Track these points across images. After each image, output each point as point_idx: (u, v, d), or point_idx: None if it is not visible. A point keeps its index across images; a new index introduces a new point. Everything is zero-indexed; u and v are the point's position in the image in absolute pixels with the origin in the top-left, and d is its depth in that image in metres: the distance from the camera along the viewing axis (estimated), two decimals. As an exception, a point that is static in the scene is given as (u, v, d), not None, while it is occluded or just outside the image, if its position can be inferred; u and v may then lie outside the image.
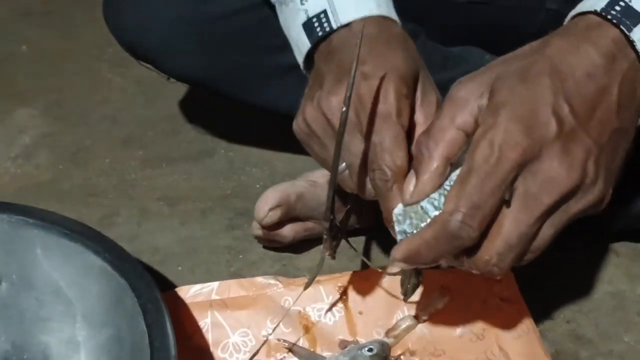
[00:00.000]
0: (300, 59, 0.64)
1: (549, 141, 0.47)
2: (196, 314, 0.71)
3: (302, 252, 0.83)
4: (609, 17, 0.50)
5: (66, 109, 1.10)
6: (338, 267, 0.80)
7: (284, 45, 0.66)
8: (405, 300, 0.64)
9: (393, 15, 0.63)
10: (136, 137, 1.04)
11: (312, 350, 0.70)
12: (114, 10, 0.81)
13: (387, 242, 0.83)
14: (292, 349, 0.69)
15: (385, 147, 0.53)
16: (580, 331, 0.75)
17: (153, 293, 0.62)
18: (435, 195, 0.51)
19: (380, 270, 0.70)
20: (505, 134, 0.47)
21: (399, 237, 0.52)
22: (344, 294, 0.72)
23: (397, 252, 0.51)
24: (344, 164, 0.56)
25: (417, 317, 0.70)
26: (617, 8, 0.50)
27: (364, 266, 0.82)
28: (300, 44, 0.62)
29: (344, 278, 0.73)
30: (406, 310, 0.71)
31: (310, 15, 0.61)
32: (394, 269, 0.61)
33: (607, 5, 0.50)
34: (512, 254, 0.49)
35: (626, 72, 0.50)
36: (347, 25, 0.60)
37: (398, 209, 0.53)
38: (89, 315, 0.65)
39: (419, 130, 0.56)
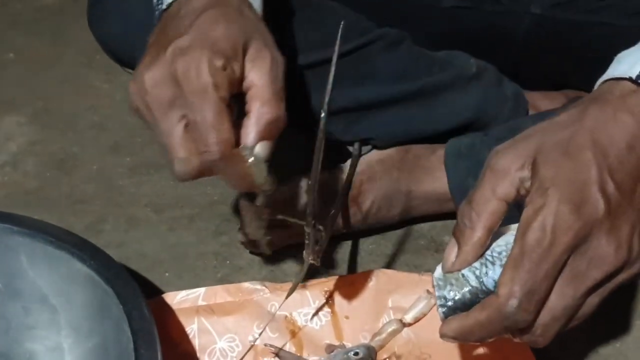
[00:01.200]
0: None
1: (599, 221, 0.47)
2: (183, 320, 0.71)
3: (288, 258, 0.83)
4: None
5: (54, 117, 1.10)
6: (324, 271, 0.81)
7: None
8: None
9: None
10: (124, 144, 1.04)
11: (298, 354, 0.70)
12: (98, 18, 0.81)
13: (372, 246, 0.85)
14: (278, 353, 0.70)
15: (209, 123, 0.52)
16: (567, 333, 0.75)
17: (139, 300, 0.63)
18: (476, 264, 0.51)
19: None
20: (557, 217, 0.47)
21: (438, 302, 0.52)
22: (330, 298, 0.73)
23: (449, 329, 0.51)
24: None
25: (402, 321, 0.71)
26: None
27: (351, 271, 0.83)
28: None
29: (330, 283, 0.73)
30: (392, 314, 0.72)
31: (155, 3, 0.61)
32: None
33: None
34: (557, 325, 0.49)
35: None
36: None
37: (437, 273, 0.53)
38: (74, 323, 0.65)
39: (255, 91, 0.55)
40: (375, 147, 0.85)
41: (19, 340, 0.66)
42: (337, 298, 0.73)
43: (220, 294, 0.73)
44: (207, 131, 0.52)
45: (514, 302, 0.47)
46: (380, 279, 0.73)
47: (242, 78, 0.54)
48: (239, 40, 0.55)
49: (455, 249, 0.52)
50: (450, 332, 0.51)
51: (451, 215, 0.85)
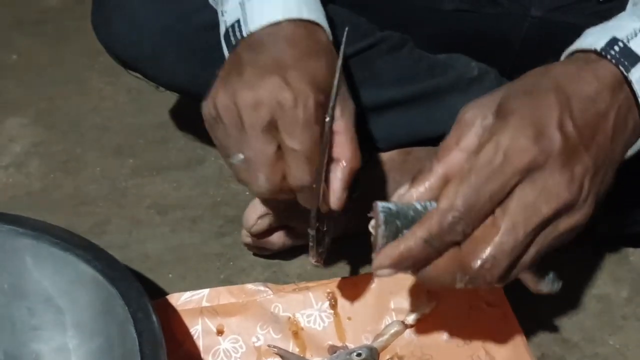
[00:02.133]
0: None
1: (554, 153, 0.48)
2: (187, 321, 0.72)
3: (291, 259, 0.84)
4: (607, 56, 0.52)
5: (57, 118, 1.10)
6: (327, 273, 0.81)
7: None
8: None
9: (321, 21, 0.64)
10: (127, 145, 1.04)
11: (301, 355, 0.71)
12: (102, 20, 0.82)
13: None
14: (282, 354, 0.70)
15: (306, 154, 0.55)
16: (566, 334, 0.76)
17: (143, 301, 0.63)
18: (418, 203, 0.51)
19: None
20: (514, 140, 0.48)
21: (381, 210, 0.50)
22: (333, 299, 0.73)
23: (384, 257, 0.50)
24: (241, 156, 0.57)
25: (404, 323, 0.71)
26: (616, 48, 0.52)
27: (353, 272, 0.83)
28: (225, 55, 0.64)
29: (332, 284, 0.74)
30: (394, 316, 0.72)
31: (228, 25, 0.63)
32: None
33: (607, 45, 0.52)
34: (505, 261, 0.49)
35: (622, 103, 0.52)
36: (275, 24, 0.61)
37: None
38: (79, 324, 0.65)
39: (338, 139, 0.58)
40: (377, 149, 0.86)
41: (24, 341, 0.67)
42: (340, 299, 0.73)
43: (223, 295, 0.73)
44: (303, 161, 0.55)
45: (454, 214, 0.48)
46: (382, 281, 0.73)
47: (334, 93, 0.57)
48: (324, 74, 0.59)
49: (408, 185, 0.53)
50: (386, 260, 0.50)
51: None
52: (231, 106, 0.57)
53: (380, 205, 0.51)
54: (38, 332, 0.67)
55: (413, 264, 0.50)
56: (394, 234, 0.50)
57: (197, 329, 0.71)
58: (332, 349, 0.70)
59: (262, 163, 0.57)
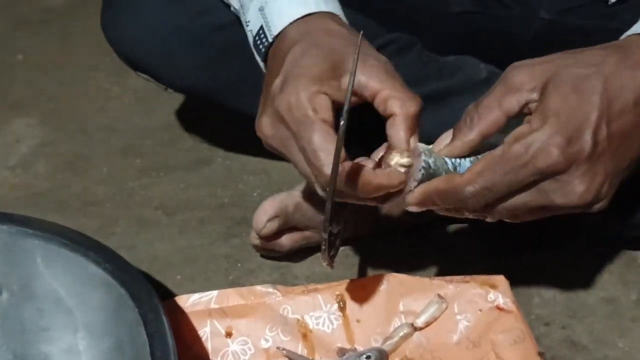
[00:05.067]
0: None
1: (580, 160, 0.52)
2: (195, 323, 0.72)
3: (299, 261, 0.84)
4: None
5: (63, 118, 1.10)
6: (336, 275, 0.81)
7: None
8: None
9: (326, 7, 0.63)
10: (134, 146, 1.04)
11: (310, 358, 0.70)
12: (112, 21, 0.82)
13: (383, 249, 0.85)
14: (290, 356, 0.70)
15: (315, 147, 0.55)
16: (576, 337, 0.76)
17: (154, 302, 0.63)
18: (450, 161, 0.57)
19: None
20: (543, 145, 0.51)
21: (422, 165, 0.56)
22: (341, 302, 0.73)
23: (413, 196, 0.56)
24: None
25: (414, 325, 0.71)
26: None
27: (361, 274, 0.83)
28: (261, 67, 0.65)
29: (341, 286, 0.74)
30: (404, 319, 0.72)
31: (254, 34, 0.64)
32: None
33: None
34: (505, 214, 0.55)
35: None
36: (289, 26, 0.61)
37: (423, 146, 0.58)
38: (89, 325, 0.65)
39: (385, 94, 0.58)
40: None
41: (34, 342, 0.67)
42: (349, 301, 0.73)
43: (232, 296, 0.73)
44: (314, 155, 0.55)
45: (470, 189, 0.53)
46: (391, 283, 0.73)
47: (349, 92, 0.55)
48: (330, 60, 0.58)
49: (449, 139, 0.57)
50: (414, 199, 0.56)
51: (462, 219, 0.85)
52: (265, 140, 0.60)
53: (422, 159, 0.56)
54: (47, 333, 0.67)
55: (433, 205, 0.57)
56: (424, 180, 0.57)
57: (206, 331, 0.71)
58: (341, 352, 0.70)
59: (304, 173, 0.58)
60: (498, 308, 0.71)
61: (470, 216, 0.57)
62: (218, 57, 0.78)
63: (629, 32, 0.58)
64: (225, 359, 0.70)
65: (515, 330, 0.69)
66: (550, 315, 0.77)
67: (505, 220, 0.57)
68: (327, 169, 0.54)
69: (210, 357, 0.71)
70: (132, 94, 1.15)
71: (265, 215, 0.76)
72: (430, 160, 0.56)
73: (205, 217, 0.91)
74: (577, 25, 0.85)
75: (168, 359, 0.59)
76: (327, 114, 0.57)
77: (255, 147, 1.01)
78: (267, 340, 0.71)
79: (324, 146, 0.54)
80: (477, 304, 0.71)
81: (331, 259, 0.62)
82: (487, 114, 0.55)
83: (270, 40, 0.62)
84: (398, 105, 0.58)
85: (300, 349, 0.71)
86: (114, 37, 0.81)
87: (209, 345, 0.71)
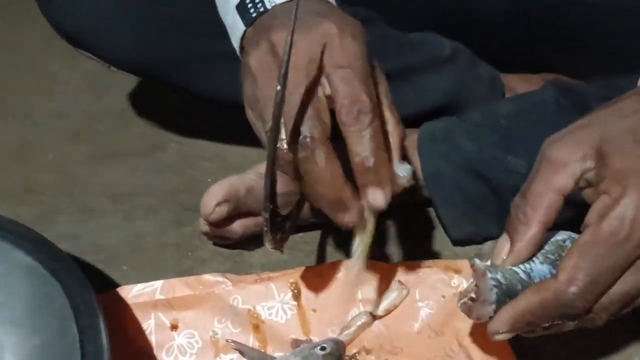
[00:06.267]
0: (236, 45, 0.60)
1: None
2: (139, 315, 0.67)
3: (255, 249, 0.79)
4: None
5: (9, 104, 1.04)
6: (294, 263, 0.77)
7: (224, 30, 0.62)
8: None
9: None
10: (83, 132, 0.99)
11: (262, 350, 0.66)
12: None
13: (346, 236, 0.80)
14: (241, 349, 0.65)
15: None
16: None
17: (87, 294, 0.58)
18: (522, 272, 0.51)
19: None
20: (638, 208, 0.45)
21: (492, 283, 0.50)
22: (296, 290, 0.69)
23: (500, 322, 0.50)
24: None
25: (372, 314, 0.67)
26: None
27: (321, 262, 0.78)
28: (236, 29, 0.58)
29: (296, 274, 0.69)
30: (362, 307, 0.68)
31: None
32: None
33: None
34: (613, 308, 0.48)
35: None
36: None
37: (481, 264, 0.52)
38: (17, 319, 0.59)
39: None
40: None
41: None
42: (304, 290, 0.69)
43: (179, 287, 0.68)
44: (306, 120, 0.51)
45: (573, 289, 0.46)
46: (349, 270, 0.69)
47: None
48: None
49: (508, 245, 0.50)
50: (503, 325, 0.49)
51: (425, 203, 0.81)
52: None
53: (489, 277, 0.50)
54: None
55: (528, 327, 0.50)
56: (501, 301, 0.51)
57: (150, 324, 0.66)
58: (296, 343, 0.66)
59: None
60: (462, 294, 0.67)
61: (573, 327, 0.50)
62: (160, 32, 0.73)
63: None
64: (170, 353, 0.66)
65: (480, 317, 0.65)
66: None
67: (613, 317, 0.50)
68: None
69: (155, 351, 0.66)
70: (83, 78, 1.09)
71: (213, 199, 0.71)
72: (499, 276, 0.50)
73: (155, 204, 0.86)
74: (545, 3, 0.81)
75: (101, 354, 0.55)
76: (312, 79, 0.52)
77: (212, 131, 0.98)
78: (216, 333, 0.66)
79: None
80: (440, 290, 0.67)
81: (279, 243, 0.58)
82: (540, 201, 0.48)
83: (268, 7, 0.56)
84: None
85: (251, 341, 0.66)
86: (50, 11, 0.75)
87: (153, 339, 0.66)
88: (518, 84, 0.88)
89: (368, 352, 0.65)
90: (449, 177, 0.76)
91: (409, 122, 0.81)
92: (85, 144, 0.96)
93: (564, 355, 0.69)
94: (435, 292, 0.67)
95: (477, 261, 0.52)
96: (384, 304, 0.67)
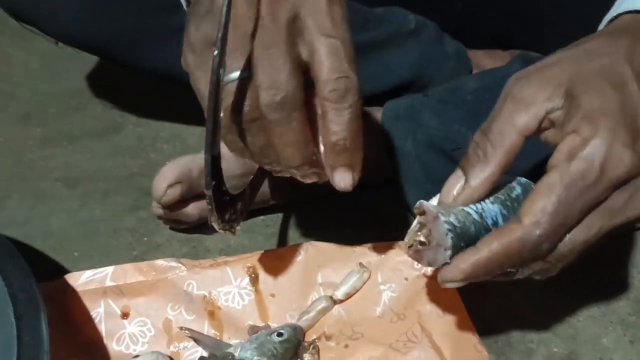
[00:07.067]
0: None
1: None
2: (88, 303, 0.64)
3: (213, 233, 0.75)
4: None
5: (-41, 86, 1.00)
6: (254, 247, 0.74)
7: (177, 4, 0.59)
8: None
9: None
10: (35, 113, 0.95)
11: (218, 338, 0.63)
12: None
13: (308, 218, 0.78)
14: (195, 337, 0.62)
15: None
16: (512, 306, 0.69)
17: (26, 281, 0.55)
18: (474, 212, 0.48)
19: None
20: (610, 150, 0.43)
21: (445, 227, 0.47)
22: (253, 275, 0.66)
23: (457, 270, 0.47)
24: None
25: (333, 298, 0.64)
26: None
27: (282, 245, 0.75)
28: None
29: (253, 258, 0.66)
30: (322, 291, 0.65)
31: None
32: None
33: None
34: (572, 256, 0.46)
35: None
36: None
37: (429, 205, 0.48)
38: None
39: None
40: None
41: None
42: (262, 274, 0.66)
43: (130, 273, 0.65)
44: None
45: (540, 232, 0.44)
46: (309, 253, 0.66)
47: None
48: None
49: (461, 182, 0.47)
50: (460, 274, 0.46)
51: (391, 183, 0.78)
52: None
53: (442, 220, 0.47)
54: None
55: (485, 276, 0.48)
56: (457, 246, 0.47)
57: (99, 312, 0.63)
58: (253, 330, 0.63)
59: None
60: (425, 276, 0.64)
61: (538, 273, 0.49)
62: (107, 7, 0.69)
63: (615, 13, 0.52)
64: (121, 342, 0.63)
65: (443, 300, 0.62)
66: (485, 284, 0.71)
67: (575, 260, 0.48)
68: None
69: (105, 340, 0.63)
70: (39, 59, 1.05)
71: (165, 181, 0.68)
72: (452, 219, 0.47)
73: (110, 188, 0.82)
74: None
75: (39, 344, 0.51)
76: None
77: (170, 112, 0.94)
78: (169, 320, 0.63)
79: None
80: (403, 272, 0.65)
81: (229, 224, 0.54)
82: (502, 140, 0.46)
83: None
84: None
85: (206, 328, 0.63)
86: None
87: (102, 328, 0.63)
88: (485, 60, 0.85)
89: (328, 337, 0.63)
90: (413, 156, 0.73)
91: (374, 99, 0.79)
92: (36, 127, 0.93)
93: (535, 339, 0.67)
94: (397, 274, 0.64)
95: (425, 203, 0.48)
96: (344, 288, 0.64)
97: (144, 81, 0.89)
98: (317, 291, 0.65)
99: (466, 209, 0.48)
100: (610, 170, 0.43)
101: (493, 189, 0.48)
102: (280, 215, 0.78)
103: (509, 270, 0.48)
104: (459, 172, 0.48)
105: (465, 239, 0.47)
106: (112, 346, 0.62)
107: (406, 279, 0.64)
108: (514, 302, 0.70)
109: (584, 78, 0.45)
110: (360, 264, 0.65)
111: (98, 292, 0.64)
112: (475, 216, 0.48)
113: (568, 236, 0.45)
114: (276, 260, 0.66)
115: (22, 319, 0.52)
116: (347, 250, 0.67)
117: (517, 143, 0.46)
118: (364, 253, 0.66)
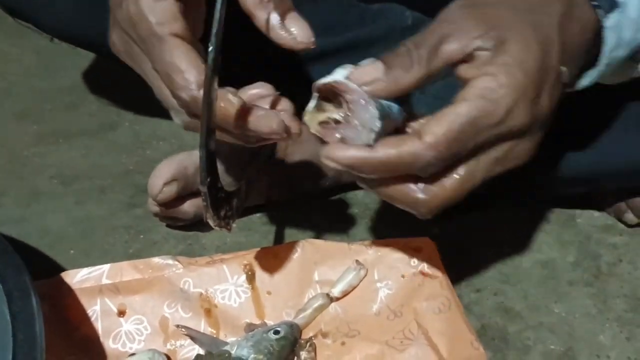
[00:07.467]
0: None
1: (539, 121, 0.48)
2: (84, 301, 0.63)
3: (209, 230, 0.76)
4: None
5: (-45, 82, 1.00)
6: (250, 245, 0.74)
7: None
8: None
9: None
10: (32, 111, 0.95)
11: (215, 336, 0.63)
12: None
13: (304, 215, 0.78)
14: (191, 335, 0.62)
15: (167, 69, 0.46)
16: (508, 304, 0.69)
17: (22, 278, 0.55)
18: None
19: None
20: (516, 103, 0.46)
21: (377, 111, 0.46)
22: (250, 272, 0.65)
23: (348, 157, 0.46)
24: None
25: (329, 296, 0.64)
26: None
27: (279, 243, 0.75)
28: None
29: (250, 255, 0.66)
30: (319, 289, 0.65)
31: None
32: None
33: None
34: (449, 200, 0.48)
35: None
36: None
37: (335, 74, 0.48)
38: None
39: None
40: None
41: None
42: (258, 272, 0.65)
43: (127, 270, 0.64)
44: (169, 79, 0.47)
45: (433, 154, 0.45)
46: (305, 250, 0.66)
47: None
48: None
49: (379, 71, 0.47)
50: (348, 160, 0.46)
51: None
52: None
53: (375, 108, 0.46)
54: None
55: (363, 174, 0.47)
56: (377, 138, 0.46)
57: (96, 310, 0.63)
58: (249, 328, 0.63)
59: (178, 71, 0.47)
60: (422, 273, 0.64)
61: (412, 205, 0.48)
62: (102, 1, 0.69)
63: None
64: (118, 340, 0.62)
65: (440, 297, 0.62)
66: (481, 281, 0.71)
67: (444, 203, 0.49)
68: (186, 94, 0.45)
69: (101, 338, 0.62)
70: (34, 56, 1.05)
71: (160, 178, 0.68)
72: (382, 101, 0.46)
73: (106, 185, 0.82)
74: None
75: (34, 341, 0.51)
76: (176, 24, 0.47)
77: (167, 110, 0.94)
78: (165, 318, 0.63)
79: (176, 67, 0.45)
80: (399, 269, 0.64)
81: (225, 221, 0.54)
82: (427, 63, 0.46)
83: None
84: None
85: (203, 326, 0.63)
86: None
87: (99, 326, 0.63)
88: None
89: (325, 335, 0.62)
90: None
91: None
92: (32, 124, 0.93)
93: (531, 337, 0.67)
94: (394, 271, 0.64)
95: (350, 84, 0.47)
96: (341, 285, 0.64)
97: (140, 78, 0.89)
98: (313, 289, 0.65)
99: (381, 100, 0.47)
100: (510, 120, 0.46)
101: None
102: (277, 213, 0.78)
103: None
104: (379, 64, 0.48)
105: (384, 117, 0.47)
106: (109, 344, 0.62)
107: (403, 276, 0.64)
108: (511, 299, 0.70)
109: (518, 28, 0.47)
110: (357, 261, 0.65)
111: (94, 290, 0.64)
112: (387, 108, 0.47)
113: (452, 182, 0.47)
114: (273, 257, 0.66)
115: (17, 317, 0.52)
116: (344, 247, 0.66)
117: (439, 67, 0.47)
118: (361, 250, 0.65)
